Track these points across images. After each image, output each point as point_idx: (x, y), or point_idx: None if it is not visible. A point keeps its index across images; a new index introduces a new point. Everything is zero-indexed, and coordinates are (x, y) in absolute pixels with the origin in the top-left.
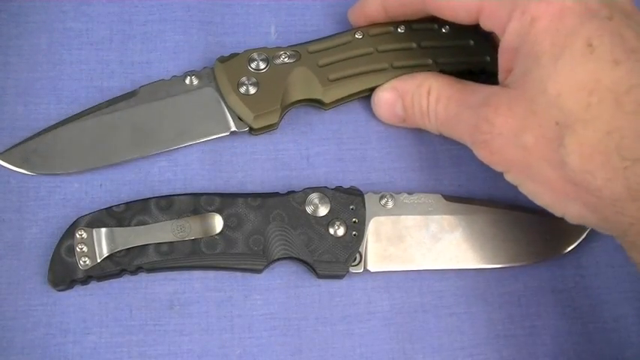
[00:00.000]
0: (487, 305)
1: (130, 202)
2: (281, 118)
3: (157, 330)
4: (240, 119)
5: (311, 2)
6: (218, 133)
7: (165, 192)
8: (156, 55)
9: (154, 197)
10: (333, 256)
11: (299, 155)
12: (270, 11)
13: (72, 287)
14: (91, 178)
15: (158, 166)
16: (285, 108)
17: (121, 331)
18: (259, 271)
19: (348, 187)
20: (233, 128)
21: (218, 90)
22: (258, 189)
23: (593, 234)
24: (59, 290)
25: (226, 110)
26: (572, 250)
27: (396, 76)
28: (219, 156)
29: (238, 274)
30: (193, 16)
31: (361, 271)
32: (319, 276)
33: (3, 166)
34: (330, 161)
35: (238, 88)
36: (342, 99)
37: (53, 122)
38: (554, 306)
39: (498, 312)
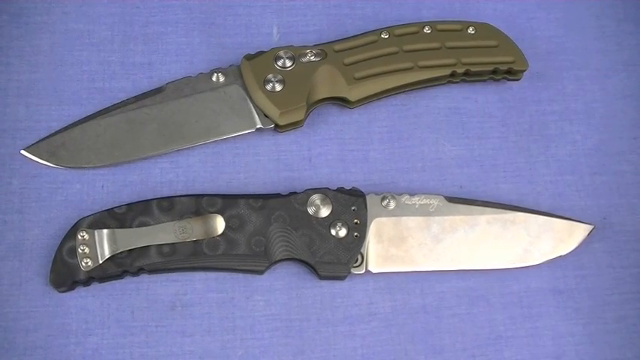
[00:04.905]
0: (489, 306)
1: (132, 203)
2: (307, 115)
3: (159, 331)
4: (266, 116)
5: (312, 3)
6: (244, 130)
7: (166, 193)
8: (157, 56)
9: (155, 198)
10: (335, 258)
11: (301, 156)
12: (272, 12)
13: (74, 288)
14: (92, 179)
15: (159, 167)
16: (311, 105)
17: (123, 332)
18: (261, 272)
19: (350, 188)
20: (259, 125)
21: (244, 87)
22: (260, 190)
23: (595, 235)
24: (61, 291)
25: (252, 107)
26: (573, 251)
27: (422, 76)
28: (222, 157)
29: (240, 275)
30: (195, 18)
31: (363, 272)
32: (321, 277)
33: (29, 159)
34: (332, 162)
35: (264, 85)
36: (368, 97)
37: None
38: (555, 307)
39: (500, 313)
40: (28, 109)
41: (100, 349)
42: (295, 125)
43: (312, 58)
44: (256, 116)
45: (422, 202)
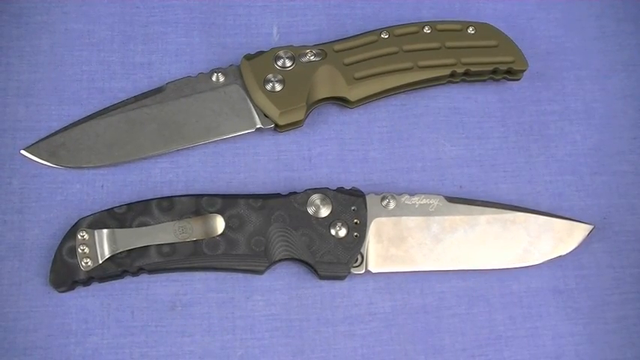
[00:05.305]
0: (488, 306)
1: (132, 203)
2: (306, 115)
3: (159, 331)
4: (266, 116)
5: (312, 2)
6: (244, 130)
7: (166, 193)
8: (157, 56)
9: (155, 198)
10: (335, 257)
11: (301, 156)
12: (272, 12)
13: (73, 288)
14: (92, 179)
15: (159, 167)
16: (311, 105)
17: (123, 332)
18: (261, 272)
19: (350, 188)
20: (259, 125)
21: (244, 87)
22: (260, 190)
23: (595, 235)
24: (61, 291)
25: (252, 107)
26: (573, 251)
27: (422, 76)
28: (222, 157)
29: (240, 275)
30: (195, 18)
31: (363, 272)
32: (321, 277)
33: (29, 159)
34: (332, 162)
35: (264, 85)
36: (368, 97)
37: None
38: (555, 307)
39: (500, 313)
40: (28, 109)
41: (100, 349)
42: (295, 125)
43: (312, 58)
44: (256, 116)
45: (422, 202)
